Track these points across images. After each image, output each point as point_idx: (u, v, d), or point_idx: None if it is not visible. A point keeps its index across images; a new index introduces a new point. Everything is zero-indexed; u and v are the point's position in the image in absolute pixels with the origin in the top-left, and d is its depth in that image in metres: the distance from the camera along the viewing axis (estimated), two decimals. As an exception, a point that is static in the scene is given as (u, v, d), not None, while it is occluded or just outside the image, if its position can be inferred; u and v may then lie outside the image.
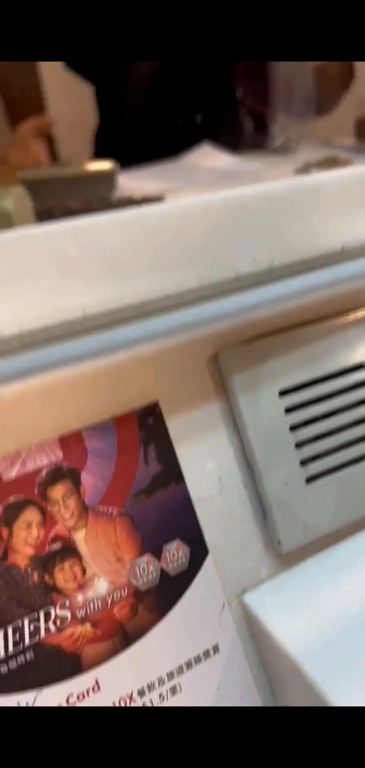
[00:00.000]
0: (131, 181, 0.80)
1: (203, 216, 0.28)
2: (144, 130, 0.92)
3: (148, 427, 0.27)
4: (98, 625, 0.25)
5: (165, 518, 0.27)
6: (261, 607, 0.28)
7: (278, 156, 0.93)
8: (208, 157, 0.91)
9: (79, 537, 0.26)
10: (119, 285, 0.25)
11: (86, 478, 0.26)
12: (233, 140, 0.95)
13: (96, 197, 0.67)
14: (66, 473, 0.26)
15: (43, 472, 0.26)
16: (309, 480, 0.30)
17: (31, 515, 0.25)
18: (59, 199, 0.65)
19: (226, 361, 0.29)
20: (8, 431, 0.25)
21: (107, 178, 0.71)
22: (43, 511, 0.25)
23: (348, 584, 0.29)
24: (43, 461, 0.26)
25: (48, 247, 0.25)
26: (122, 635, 0.25)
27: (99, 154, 1.00)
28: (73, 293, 0.24)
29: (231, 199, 0.29)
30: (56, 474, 0.26)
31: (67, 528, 0.26)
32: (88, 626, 0.25)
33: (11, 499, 0.25)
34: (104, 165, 0.72)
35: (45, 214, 0.58)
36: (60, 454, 0.26)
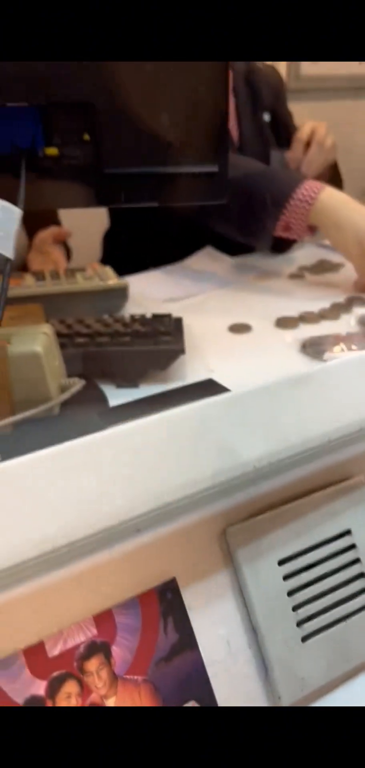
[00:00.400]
0: (140, 286, 0.88)
1: (217, 415, 0.33)
2: (152, 234, 1.00)
3: (167, 601, 0.32)
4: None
5: (181, 681, 0.32)
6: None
7: (275, 257, 1.01)
8: (210, 260, 0.99)
9: (110, 704, 0.30)
10: (148, 487, 0.31)
11: (116, 651, 0.31)
12: (234, 242, 1.03)
13: (108, 311, 0.74)
14: (100, 647, 0.31)
15: (81, 648, 0.30)
16: (305, 638, 0.35)
17: (70, 687, 0.30)
18: (74, 312, 0.72)
19: (232, 537, 0.35)
20: (53, 614, 0.30)
21: (120, 292, 0.78)
22: (81, 683, 0.30)
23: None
24: (80, 638, 0.30)
25: (86, 456, 0.31)
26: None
27: (108, 254, 1.08)
28: (108, 499, 0.30)
29: (240, 397, 0.34)
30: (91, 649, 0.30)
31: (100, 696, 0.30)
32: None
33: (55, 674, 0.30)
34: (117, 281, 0.79)
35: (66, 339, 0.64)
36: (94, 631, 0.31)
